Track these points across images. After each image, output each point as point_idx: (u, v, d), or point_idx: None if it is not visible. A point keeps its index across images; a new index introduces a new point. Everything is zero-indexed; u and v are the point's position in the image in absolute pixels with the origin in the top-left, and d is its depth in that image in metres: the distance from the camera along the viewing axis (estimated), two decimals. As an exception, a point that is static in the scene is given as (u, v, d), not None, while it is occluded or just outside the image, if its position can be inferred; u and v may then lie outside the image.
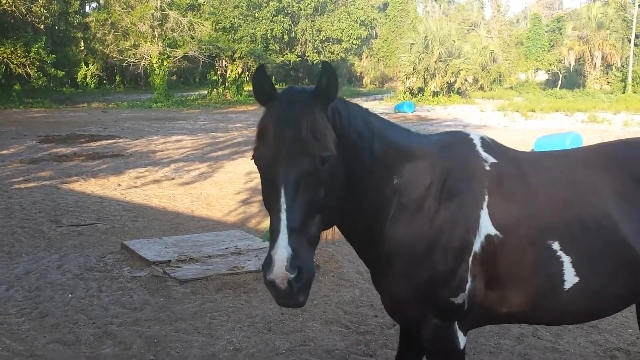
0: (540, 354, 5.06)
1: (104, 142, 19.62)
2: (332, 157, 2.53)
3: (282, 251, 2.34)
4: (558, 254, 2.89)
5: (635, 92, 51.07)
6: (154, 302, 6.04)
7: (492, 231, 2.86)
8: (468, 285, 2.86)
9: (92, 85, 52.59)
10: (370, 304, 6.03)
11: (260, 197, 10.71)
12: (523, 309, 2.97)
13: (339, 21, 45.66)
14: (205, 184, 12.86)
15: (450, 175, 2.91)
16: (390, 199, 2.87)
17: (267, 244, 8.11)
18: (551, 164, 3.10)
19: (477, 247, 2.85)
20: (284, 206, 2.43)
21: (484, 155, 3.02)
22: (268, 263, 2.38)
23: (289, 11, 45.30)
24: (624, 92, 51.12)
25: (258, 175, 10.06)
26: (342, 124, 2.69)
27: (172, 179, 13.44)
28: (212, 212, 10.39)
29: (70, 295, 6.21)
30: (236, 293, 6.25)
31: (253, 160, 2.62)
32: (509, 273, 2.88)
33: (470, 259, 2.85)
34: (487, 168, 2.96)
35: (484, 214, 2.87)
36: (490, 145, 3.08)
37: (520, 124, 28.68)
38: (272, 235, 2.41)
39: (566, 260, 2.89)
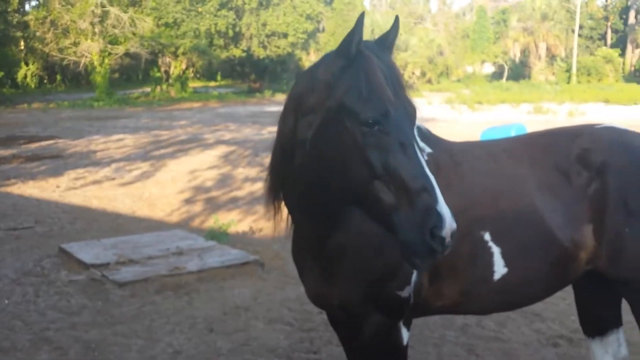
0: (484, 344, 5.11)
1: (43, 143, 18.98)
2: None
3: (445, 204, 2.24)
4: (489, 244, 2.90)
5: (580, 82, 52.53)
6: (91, 306, 5.86)
7: None
8: (413, 278, 2.82)
9: (33, 85, 50.78)
10: (315, 300, 5.98)
11: (204, 196, 10.47)
12: (455, 300, 2.97)
13: (285, 15, 45.30)
14: (148, 184, 12.57)
15: None
16: None
17: (210, 243, 7.94)
18: (481, 155, 3.09)
19: None
20: (422, 161, 2.31)
21: (421, 144, 2.91)
22: (439, 219, 2.20)
23: (233, 5, 44.69)
24: (568, 83, 52.50)
25: (202, 174, 9.86)
26: None
27: (113, 179, 13.09)
28: (154, 212, 10.16)
29: (6, 301, 5.99)
30: (177, 294, 6.11)
31: (365, 125, 2.34)
32: (446, 265, 2.86)
33: None
34: (425, 158, 2.91)
35: None
36: (426, 135, 3.02)
37: (467, 116, 29.19)
38: (426, 192, 2.23)
39: (496, 251, 2.90)
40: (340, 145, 2.36)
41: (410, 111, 2.42)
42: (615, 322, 3.49)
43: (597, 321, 3.50)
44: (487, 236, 2.90)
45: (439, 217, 2.20)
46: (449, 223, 2.21)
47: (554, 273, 3.01)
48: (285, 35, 45.14)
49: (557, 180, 2.97)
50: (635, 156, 3.00)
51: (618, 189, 2.92)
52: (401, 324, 2.91)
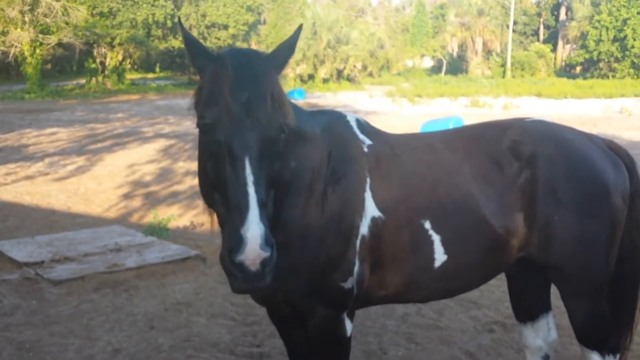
0: (423, 332, 5.22)
1: (-30, 137, 18.15)
2: (290, 127, 2.39)
3: (256, 228, 2.12)
4: (429, 233, 2.96)
5: (514, 77, 54.19)
6: (25, 305, 5.64)
7: (376, 213, 2.88)
8: (356, 269, 2.85)
9: (-44, 76, 48.44)
10: (257, 294, 5.95)
11: (144, 190, 10.24)
12: (398, 289, 3.04)
13: (225, 6, 44.75)
14: (83, 179, 12.20)
15: (333, 157, 2.87)
16: (289, 183, 2.72)
17: (150, 238, 7.80)
18: (419, 146, 3.15)
19: (364, 229, 2.85)
20: (250, 178, 2.20)
21: (361, 136, 3.00)
22: (238, 243, 2.11)
23: (174, -5, 43.98)
24: (503, 77, 54.04)
25: (140, 168, 9.68)
26: None
27: (47, 174, 12.64)
28: (90, 208, 9.88)
29: None
30: (115, 292, 5.97)
31: (200, 130, 2.33)
32: (389, 255, 2.92)
33: (358, 241, 2.84)
34: (365, 149, 2.95)
35: (368, 196, 2.88)
36: (364, 126, 3.08)
37: (407, 109, 29.64)
38: (238, 212, 2.15)
39: (436, 239, 2.97)
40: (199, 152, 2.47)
41: (259, 125, 2.29)
42: (544, 308, 3.67)
43: (528, 307, 3.67)
44: (427, 224, 2.96)
45: (239, 241, 2.12)
46: (252, 250, 2.11)
47: (489, 259, 3.11)
48: (226, 27, 44.66)
49: (490, 169, 3.07)
50: (562, 148, 3.12)
51: (547, 179, 3.04)
52: (345, 315, 2.93)
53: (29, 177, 12.23)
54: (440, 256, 2.99)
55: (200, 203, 10.54)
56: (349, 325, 2.95)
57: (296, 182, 2.75)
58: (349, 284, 2.84)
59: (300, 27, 2.64)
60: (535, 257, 3.14)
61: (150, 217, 8.94)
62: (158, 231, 7.84)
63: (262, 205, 2.19)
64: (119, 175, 12.48)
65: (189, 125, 21.67)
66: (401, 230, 2.93)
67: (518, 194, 3.05)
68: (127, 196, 10.64)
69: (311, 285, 2.81)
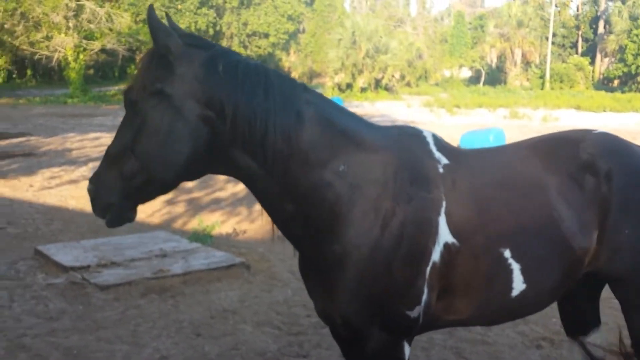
0: (470, 347, 5.10)
1: (14, 140, 18.50)
2: (159, 94, 2.43)
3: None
4: (509, 262, 2.78)
5: (553, 89, 53.64)
6: (72, 310, 5.64)
7: (450, 239, 2.67)
8: (424, 298, 2.66)
9: (0, 80, 49.66)
10: (303, 304, 5.87)
11: (186, 197, 10.35)
12: (466, 316, 2.86)
13: (266, 15, 45.17)
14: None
15: (403, 175, 2.65)
16: (330, 184, 2.56)
17: (194, 245, 7.83)
18: (497, 165, 2.95)
19: (435, 256, 2.65)
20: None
21: (437, 155, 2.79)
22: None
23: (214, 4, 44.40)
24: (542, 89, 53.53)
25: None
26: (212, 82, 2.44)
27: (91, 178, 12.78)
28: (134, 212, 9.93)
29: (-23, 307, 5.73)
30: (162, 298, 5.95)
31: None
32: (460, 283, 2.73)
33: (429, 269, 2.64)
34: (441, 170, 2.74)
35: (442, 221, 2.67)
36: (442, 144, 2.87)
37: (446, 119, 29.40)
38: None
39: (516, 267, 2.79)
40: None
41: None
42: (594, 323, 3.51)
43: (581, 322, 3.51)
44: (506, 253, 2.76)
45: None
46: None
47: (565, 282, 2.96)
48: (267, 35, 45.05)
49: (570, 188, 2.90)
50: (634, 161, 3.03)
51: (621, 193, 2.92)
52: (405, 341, 2.77)
53: (72, 181, 12.41)
54: (518, 285, 2.81)
55: (242, 210, 10.60)
56: (407, 350, 2.79)
57: (355, 194, 2.58)
58: (415, 312, 2.65)
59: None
60: (601, 270, 3.01)
61: (194, 224, 8.97)
62: (202, 238, 7.84)
63: (106, 154, 2.56)
64: (161, 181, 12.55)
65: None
66: (477, 258, 2.72)
67: (595, 211, 2.90)
68: (170, 202, 10.70)
69: (371, 311, 2.64)
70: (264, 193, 2.62)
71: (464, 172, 2.79)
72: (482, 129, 20.33)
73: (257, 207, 9.33)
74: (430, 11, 77.36)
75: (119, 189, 2.49)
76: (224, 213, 9.92)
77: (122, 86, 46.24)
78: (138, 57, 43.64)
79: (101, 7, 38.30)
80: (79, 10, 37.62)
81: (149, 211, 10.01)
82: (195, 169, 2.55)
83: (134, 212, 2.60)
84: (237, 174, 2.61)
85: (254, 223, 9.37)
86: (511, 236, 2.78)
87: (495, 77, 61.36)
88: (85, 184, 10.89)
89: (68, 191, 11.42)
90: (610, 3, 67.00)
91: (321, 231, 2.61)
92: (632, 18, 57.36)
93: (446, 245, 2.65)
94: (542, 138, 3.19)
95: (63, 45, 37.75)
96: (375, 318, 2.65)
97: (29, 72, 53.79)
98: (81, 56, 39.20)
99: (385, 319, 2.66)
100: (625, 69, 53.98)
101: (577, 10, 70.72)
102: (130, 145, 2.46)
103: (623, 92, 50.15)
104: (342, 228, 2.58)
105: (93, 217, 9.21)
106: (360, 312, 2.64)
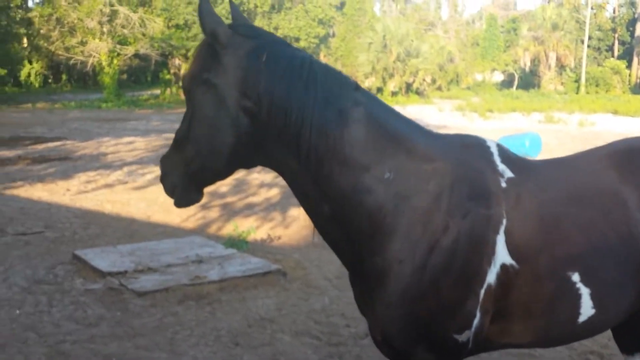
0: (517, 360, 4.92)
1: (50, 145, 18.77)
2: (206, 83, 2.42)
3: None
4: (577, 286, 2.54)
5: (588, 93, 52.59)
6: (110, 316, 5.62)
7: (508, 260, 2.45)
8: (476, 322, 2.46)
9: (37, 84, 50.54)
10: (342, 313, 5.76)
11: (220, 202, 10.28)
12: (524, 341, 2.65)
13: (297, 19, 45.24)
14: (161, 188, 12.23)
15: (463, 189, 2.46)
16: (371, 190, 2.40)
17: (230, 250, 7.77)
18: (567, 177, 2.70)
19: (491, 278, 2.44)
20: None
21: (501, 167, 2.56)
22: None
23: (245, 8, 44.62)
24: (577, 93, 52.56)
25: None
26: (253, 72, 2.38)
27: (126, 182, 12.89)
28: (170, 217, 9.94)
29: (17, 312, 5.72)
30: (199, 305, 5.88)
31: None
32: (518, 307, 2.51)
33: (482, 291, 2.43)
34: (503, 184, 2.52)
35: (500, 240, 2.45)
36: (507, 154, 2.64)
37: (478, 124, 28.95)
38: None
39: (585, 292, 2.55)
40: None
41: None
42: None
43: (635, 337, 3.20)
44: (575, 277, 2.52)
45: None
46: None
47: (635, 305, 2.73)
48: (298, 40, 45.08)
49: None
50: None
51: None
52: None
53: (108, 186, 12.49)
54: (587, 311, 2.58)
55: (276, 215, 10.49)
56: None
57: (402, 204, 2.42)
58: (464, 337, 2.46)
59: None
60: None
61: (229, 229, 8.92)
62: (238, 243, 7.77)
63: (174, 140, 2.61)
64: (194, 185, 12.55)
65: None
66: (540, 281, 2.49)
67: None
68: (204, 207, 10.67)
69: (415, 332, 2.47)
70: (302, 190, 2.51)
71: (530, 187, 2.56)
72: (517, 133, 19.94)
73: (291, 212, 9.25)
74: (462, 14, 76.71)
75: (182, 172, 2.55)
76: (258, 218, 9.85)
77: (154, 91, 46.97)
78: (170, 62, 44.20)
79: (135, 12, 38.78)
80: (113, 15, 38.19)
81: (184, 215, 10.01)
82: (242, 158, 2.53)
83: (200, 193, 2.63)
84: (278, 168, 2.54)
85: (288, 229, 9.28)
86: (581, 257, 2.54)
87: (529, 81, 60.45)
88: (120, 188, 10.97)
89: (104, 195, 11.49)
90: (648, 5, 65.70)
91: (360, 239, 2.48)
92: (671, 20, 56.11)
93: (503, 267, 2.45)
94: (617, 147, 2.91)
95: (97, 50, 38.37)
96: (420, 339, 2.49)
97: (64, 76, 54.82)
98: (115, 61, 39.76)
99: (431, 341, 2.49)
100: (665, 72, 52.82)
101: (614, 12, 69.38)
102: (187, 131, 2.51)
103: (662, 96, 49.01)
104: (384, 239, 2.44)
105: (129, 222, 9.23)
106: (402, 331, 2.49)
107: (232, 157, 2.47)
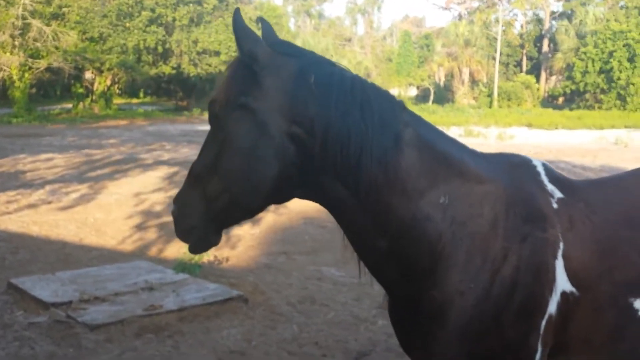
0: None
1: (-40, 162, 17.42)
2: (243, 108, 2.14)
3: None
4: None
5: (501, 107, 54.72)
6: (62, 354, 5.05)
7: (568, 287, 2.27)
8: (538, 356, 2.24)
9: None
10: (315, 342, 5.44)
11: (156, 221, 9.65)
12: None
13: (216, 33, 44.38)
14: (90, 208, 11.59)
15: (518, 211, 2.27)
16: (430, 217, 2.19)
17: (182, 276, 7.27)
18: (616, 196, 2.53)
19: (552, 307, 2.24)
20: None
21: (550, 187, 2.38)
22: None
23: (163, 21, 43.40)
24: (490, 107, 54.52)
25: (148, 197, 9.39)
26: (301, 96, 2.13)
27: (50, 202, 12.01)
28: (103, 239, 9.30)
29: (-50, 353, 5.09)
30: (159, 338, 5.41)
31: None
32: (578, 339, 2.33)
33: (544, 322, 2.23)
34: (555, 205, 2.34)
35: (559, 265, 2.26)
36: (554, 174, 2.46)
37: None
38: None
39: None
40: None
41: None
42: None
43: None
44: (637, 304, 2.33)
45: None
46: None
47: None
48: (218, 54, 44.25)
49: None
50: None
51: None
52: None
53: (32, 206, 11.59)
54: None
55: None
56: None
57: (458, 231, 2.21)
58: None
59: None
60: None
61: (172, 251, 8.43)
62: (190, 267, 7.31)
63: (189, 172, 2.32)
64: (126, 205, 11.90)
65: (187, 152, 21.19)
66: (601, 310, 2.31)
67: None
68: (140, 227, 10.08)
69: None
70: (354, 226, 2.25)
71: (582, 208, 2.39)
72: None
73: (235, 232, 8.77)
74: (378, 30, 78.14)
75: (202, 211, 2.23)
76: (202, 239, 9.37)
77: (65, 105, 44.86)
78: (84, 75, 42.40)
79: (48, 25, 37.01)
80: (25, 28, 36.26)
81: (119, 237, 9.41)
82: (282, 192, 2.23)
83: (219, 236, 2.32)
84: (325, 202, 2.27)
85: (235, 249, 8.87)
86: None
87: (443, 95, 62.26)
88: (45, 208, 10.13)
89: (29, 217, 10.63)
90: (554, 22, 69.32)
91: (419, 274, 2.24)
92: (579, 36, 59.27)
93: (564, 295, 2.26)
94: None
95: (8, 64, 36.24)
96: None
97: (-31, 90, 51.48)
98: (26, 75, 37.76)
99: None
100: (574, 87, 55.58)
101: (522, 29, 72.82)
102: (213, 163, 2.19)
103: (571, 109, 51.66)
104: (443, 271, 2.21)
105: (60, 245, 8.47)
106: None
107: (271, 190, 2.17)
